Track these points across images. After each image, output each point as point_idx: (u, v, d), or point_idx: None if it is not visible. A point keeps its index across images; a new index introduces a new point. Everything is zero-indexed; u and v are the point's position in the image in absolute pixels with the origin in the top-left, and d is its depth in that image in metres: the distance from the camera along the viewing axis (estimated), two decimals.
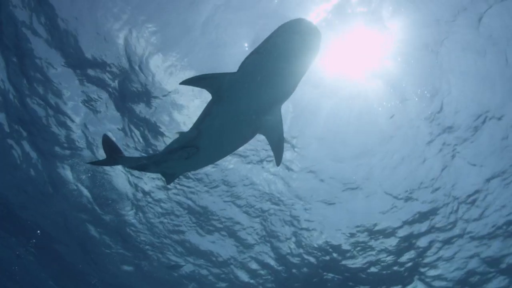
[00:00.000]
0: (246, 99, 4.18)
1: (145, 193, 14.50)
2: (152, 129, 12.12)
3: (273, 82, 4.00)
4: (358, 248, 14.15)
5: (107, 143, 5.72)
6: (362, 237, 13.78)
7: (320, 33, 3.68)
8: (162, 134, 12.18)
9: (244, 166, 12.61)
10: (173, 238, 16.38)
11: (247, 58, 4.03)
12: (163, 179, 5.48)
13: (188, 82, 4.37)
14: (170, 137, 12.16)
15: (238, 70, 4.08)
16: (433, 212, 12.64)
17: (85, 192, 15.20)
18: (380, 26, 9.20)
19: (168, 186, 13.69)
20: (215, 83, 4.25)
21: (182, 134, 4.66)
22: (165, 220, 15.58)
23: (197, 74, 4.28)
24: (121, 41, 10.32)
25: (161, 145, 12.48)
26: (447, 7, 8.81)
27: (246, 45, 9.69)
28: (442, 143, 11.11)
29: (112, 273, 19.86)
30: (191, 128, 4.71)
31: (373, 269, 14.75)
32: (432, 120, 10.73)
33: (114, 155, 5.59)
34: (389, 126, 10.98)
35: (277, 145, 4.83)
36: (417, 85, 10.21)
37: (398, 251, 13.93)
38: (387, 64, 9.92)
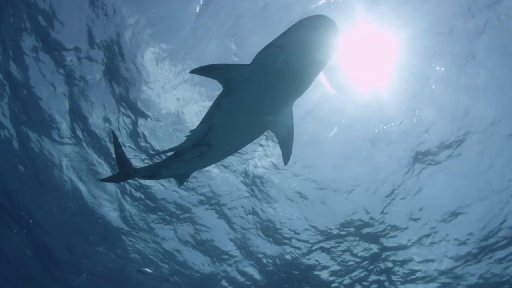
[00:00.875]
0: (258, 94, 4.04)
1: (133, 197, 14.63)
2: (142, 120, 12.19)
3: (287, 78, 3.86)
4: (335, 262, 14.39)
5: (118, 150, 5.59)
6: (341, 253, 14.09)
7: (339, 31, 3.60)
8: (148, 126, 12.29)
9: (228, 175, 12.88)
10: (156, 241, 16.52)
11: (262, 51, 3.88)
12: (175, 181, 5.41)
13: (198, 71, 4.17)
14: (163, 134, 12.32)
15: (252, 63, 3.95)
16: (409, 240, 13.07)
17: (78, 185, 15.24)
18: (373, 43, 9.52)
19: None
20: (226, 74, 4.10)
21: (193, 131, 4.49)
22: (153, 225, 15.77)
23: (209, 64, 4.09)
24: (113, 32, 10.55)
25: (153, 141, 12.58)
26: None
27: (236, 41, 10.11)
28: (422, 168, 11.41)
29: (99, 269, 19.91)
30: (200, 123, 4.63)
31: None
32: (415, 146, 11.06)
33: (127, 168, 5.50)
34: (370, 148, 11.30)
35: (286, 143, 4.65)
36: (405, 110, 10.50)
37: (369, 271, 14.27)
38: (376, 85, 10.24)
